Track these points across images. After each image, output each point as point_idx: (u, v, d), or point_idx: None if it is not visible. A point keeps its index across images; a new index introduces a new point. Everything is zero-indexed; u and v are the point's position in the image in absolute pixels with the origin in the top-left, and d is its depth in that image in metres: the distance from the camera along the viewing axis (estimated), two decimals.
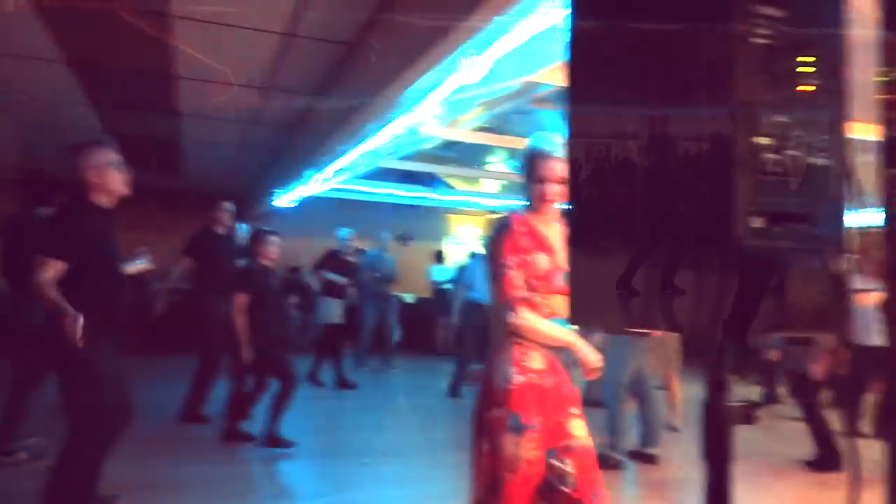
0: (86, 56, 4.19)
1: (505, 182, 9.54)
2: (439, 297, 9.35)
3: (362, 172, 6.64)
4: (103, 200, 2.93)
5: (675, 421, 5.25)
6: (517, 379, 1.98)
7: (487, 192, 9.96)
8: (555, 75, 3.59)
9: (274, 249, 4.49)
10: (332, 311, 6.78)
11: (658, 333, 4.46)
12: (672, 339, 4.97)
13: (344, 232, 7.01)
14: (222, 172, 8.80)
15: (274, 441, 4.42)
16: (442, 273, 9.13)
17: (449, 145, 7.17)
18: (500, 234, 2.04)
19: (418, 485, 4.15)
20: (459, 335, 6.95)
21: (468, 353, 6.37)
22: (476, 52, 2.55)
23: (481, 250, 6.80)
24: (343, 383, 6.70)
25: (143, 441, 3.44)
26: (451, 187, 9.62)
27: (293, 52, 3.91)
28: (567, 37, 1.14)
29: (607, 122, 1.13)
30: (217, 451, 4.48)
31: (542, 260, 2.03)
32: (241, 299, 4.27)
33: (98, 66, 4.40)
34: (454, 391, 6.51)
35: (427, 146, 6.71)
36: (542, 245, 2.06)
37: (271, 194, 7.89)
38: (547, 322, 2.03)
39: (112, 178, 2.92)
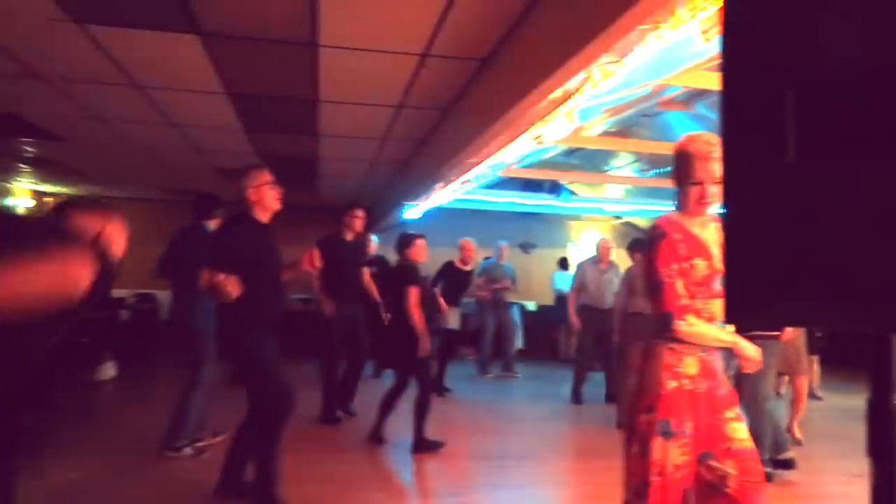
0: (242, 87, 4.62)
1: (629, 187, 9.37)
2: (562, 304, 9.33)
3: (486, 182, 6.79)
4: (261, 215, 3.47)
5: (796, 431, 5.06)
6: (669, 384, 2.01)
7: (611, 197, 9.82)
8: (684, 77, 3.55)
9: (423, 251, 4.76)
10: (451, 318, 6.98)
11: (790, 335, 4.30)
12: (800, 340, 4.75)
13: (465, 241, 7.21)
14: (353, 187, 9.29)
15: (422, 445, 4.60)
16: (565, 280, 9.10)
17: (572, 151, 7.18)
18: (655, 242, 2.05)
19: (552, 487, 4.22)
20: (579, 342, 6.93)
21: (587, 359, 6.31)
22: (614, 61, 2.59)
23: (601, 256, 6.75)
24: (440, 389, 6.79)
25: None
26: (574, 193, 9.58)
27: (427, 71, 4.11)
28: (723, 34, 1.12)
29: (763, 118, 1.10)
30: (358, 449, 4.77)
31: (700, 265, 2.04)
32: (416, 293, 4.54)
33: (251, 95, 4.84)
34: (576, 398, 6.47)
35: (550, 154, 6.77)
36: (700, 249, 2.06)
37: (399, 206, 8.22)
38: (709, 325, 2.04)
39: (268, 197, 3.48)
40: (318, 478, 4.05)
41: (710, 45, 2.66)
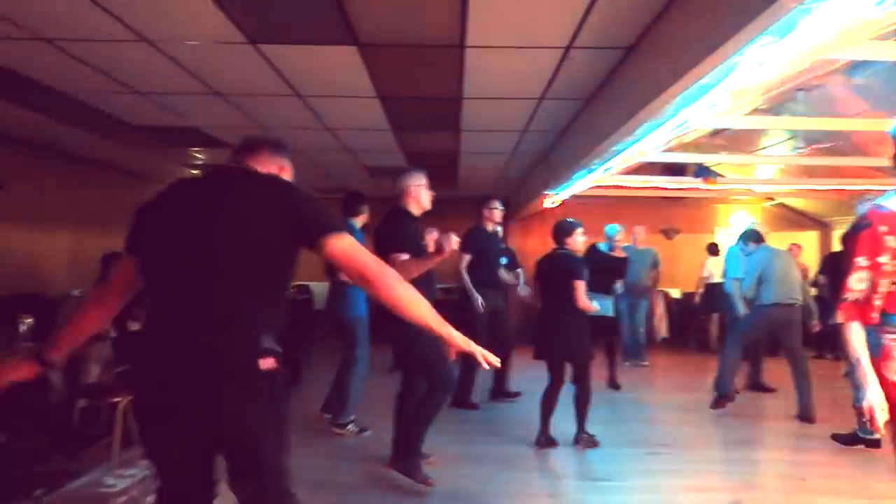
0: (392, 90, 4.90)
1: (782, 167, 8.80)
2: (711, 292, 8.96)
3: (629, 168, 6.67)
4: (413, 211, 3.91)
5: None
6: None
7: (762, 178, 9.26)
8: (845, 47, 3.33)
9: (581, 240, 4.73)
10: (605, 305, 6.88)
11: None
12: None
13: (612, 228, 7.11)
14: (491, 178, 9.46)
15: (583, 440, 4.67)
16: (717, 266, 8.72)
17: (718, 131, 6.87)
18: (856, 231, 2.00)
19: (703, 477, 4.16)
20: (730, 330, 6.63)
21: (736, 348, 6.00)
22: (773, 39, 2.51)
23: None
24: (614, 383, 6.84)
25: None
26: (721, 175, 9.13)
27: (570, 63, 4.15)
28: None
29: None
30: (514, 434, 4.94)
31: None
32: (582, 286, 4.50)
33: (400, 97, 5.11)
34: (719, 388, 6.10)
35: (696, 136, 6.52)
36: None
37: (538, 196, 8.28)
38: (856, 333, 1.98)
39: (423, 197, 3.95)
40: (473, 458, 4.29)
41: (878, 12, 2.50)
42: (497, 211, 5.88)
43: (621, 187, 8.15)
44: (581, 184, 6.95)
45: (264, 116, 5.73)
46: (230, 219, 1.85)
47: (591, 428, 4.71)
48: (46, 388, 4.82)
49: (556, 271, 4.64)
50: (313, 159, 7.89)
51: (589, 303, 4.53)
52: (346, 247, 1.87)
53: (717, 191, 9.10)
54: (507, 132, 6.31)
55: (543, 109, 5.34)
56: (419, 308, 1.92)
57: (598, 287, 6.83)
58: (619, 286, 6.94)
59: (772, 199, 10.77)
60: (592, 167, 5.68)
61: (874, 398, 1.99)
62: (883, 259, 1.93)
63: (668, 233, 10.94)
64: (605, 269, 6.95)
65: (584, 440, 4.64)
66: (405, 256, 3.55)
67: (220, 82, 4.73)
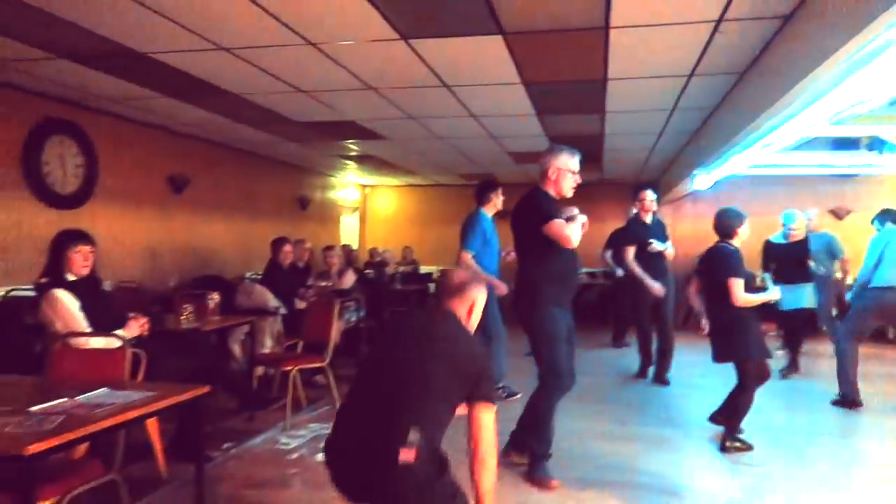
0: (537, 75, 4.96)
1: None
2: None
3: (790, 145, 6.24)
4: (553, 194, 3.66)
5: None
6: None
7: None
8: None
9: (747, 233, 4.33)
10: (798, 296, 6.46)
11: None
12: None
13: (789, 216, 6.62)
14: (637, 160, 9.22)
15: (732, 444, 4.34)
16: None
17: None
18: None
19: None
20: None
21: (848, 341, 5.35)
22: None
23: None
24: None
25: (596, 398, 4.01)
26: None
27: (722, 37, 3.99)
28: None
29: None
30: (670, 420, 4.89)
31: None
32: (737, 284, 4.06)
33: (544, 82, 5.17)
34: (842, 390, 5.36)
35: (868, 106, 5.95)
36: None
37: (688, 177, 7.96)
38: None
39: (565, 182, 3.65)
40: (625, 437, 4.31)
41: None
42: (647, 202, 6.12)
43: (782, 166, 7.62)
44: (735, 163, 6.60)
45: (414, 107, 6.02)
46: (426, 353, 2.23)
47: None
48: (230, 357, 5.46)
49: (713, 267, 4.26)
50: (460, 147, 8.14)
51: (748, 297, 4.06)
52: (485, 419, 2.23)
53: None
54: (654, 111, 6.15)
55: (693, 87, 5.16)
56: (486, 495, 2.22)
57: (792, 278, 6.42)
58: (815, 267, 6.58)
59: None
60: (748, 145, 5.39)
61: None
62: None
63: (837, 213, 10.06)
64: (788, 260, 6.55)
65: (730, 448, 4.18)
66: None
67: (374, 77, 5.05)
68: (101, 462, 2.40)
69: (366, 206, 13.29)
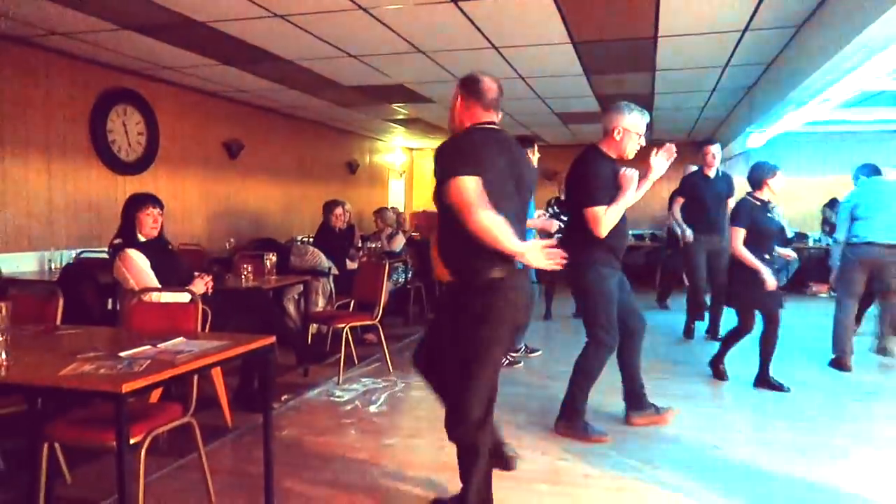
0: (586, 34, 4.93)
1: None
2: None
3: (850, 100, 6.04)
4: (612, 154, 3.55)
5: None
6: None
7: None
8: None
9: (780, 185, 4.53)
10: None
11: None
12: None
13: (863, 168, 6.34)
14: (688, 119, 9.04)
15: (764, 383, 4.59)
16: None
17: None
18: None
19: None
20: None
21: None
22: None
23: None
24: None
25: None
26: None
27: None
28: None
29: None
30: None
31: None
32: (737, 233, 4.44)
33: (594, 41, 5.12)
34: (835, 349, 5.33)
35: None
36: None
37: (741, 135, 7.79)
38: None
39: (628, 144, 3.50)
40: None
41: None
42: (710, 157, 6.07)
43: (840, 122, 7.40)
44: (791, 120, 6.44)
45: (462, 69, 6.04)
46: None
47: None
48: (286, 315, 5.69)
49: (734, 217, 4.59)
50: (507, 108, 8.12)
51: (744, 253, 4.39)
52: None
53: None
54: (707, 69, 6.03)
55: (747, 42, 5.04)
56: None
57: None
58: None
59: None
60: (804, 101, 5.26)
61: None
62: None
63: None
64: None
65: (765, 384, 4.61)
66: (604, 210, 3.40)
67: (423, 40, 5.09)
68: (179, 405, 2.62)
69: (413, 170, 13.40)
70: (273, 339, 2.50)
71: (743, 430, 3.88)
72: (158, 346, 2.26)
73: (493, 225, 2.21)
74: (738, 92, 7.10)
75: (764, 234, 4.46)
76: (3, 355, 2.03)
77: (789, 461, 3.36)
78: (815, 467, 3.28)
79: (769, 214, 4.54)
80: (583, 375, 3.66)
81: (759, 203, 4.51)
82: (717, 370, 4.89)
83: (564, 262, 2.38)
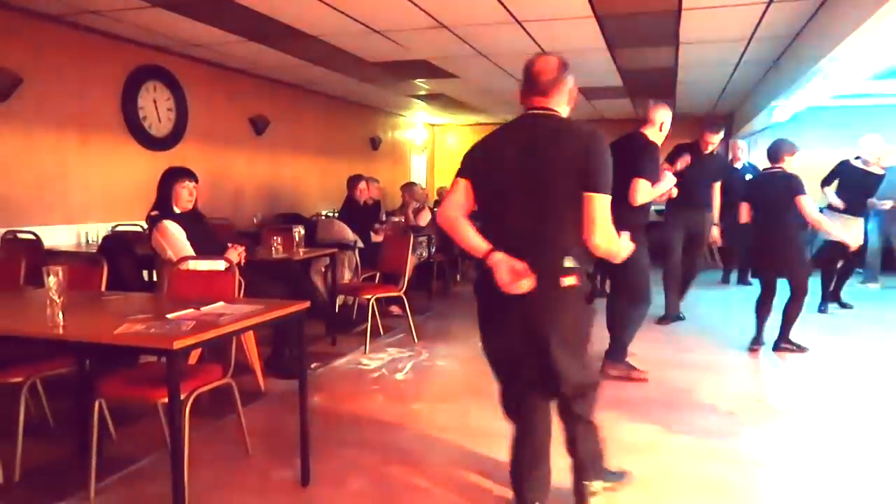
0: (609, 8, 4.94)
1: None
2: None
3: (876, 73, 5.98)
4: (657, 139, 4.10)
5: None
6: None
7: None
8: None
9: (795, 160, 4.69)
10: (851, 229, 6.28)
11: None
12: None
13: (869, 141, 6.39)
14: (712, 92, 8.97)
15: (786, 346, 4.75)
16: None
17: None
18: None
19: None
20: None
21: None
22: None
23: None
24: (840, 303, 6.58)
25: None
26: None
27: None
28: None
29: None
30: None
31: None
32: (807, 200, 4.56)
33: (617, 14, 5.13)
34: None
35: None
36: None
37: (766, 109, 7.72)
38: None
39: (663, 136, 4.13)
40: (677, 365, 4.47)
41: None
42: (712, 145, 5.80)
43: (866, 96, 7.31)
44: (817, 93, 6.39)
45: (485, 44, 6.09)
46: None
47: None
48: (315, 287, 5.84)
49: (772, 189, 4.70)
50: None
51: (820, 216, 4.62)
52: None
53: None
54: (731, 42, 5.99)
55: (772, 13, 5.01)
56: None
57: (846, 207, 6.40)
58: (871, 205, 6.44)
59: None
60: (830, 74, 5.23)
61: None
62: None
63: None
64: (853, 185, 6.43)
65: (785, 348, 4.86)
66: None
67: (446, 15, 5.13)
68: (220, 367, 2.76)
69: (434, 146, 13.45)
70: (307, 303, 2.62)
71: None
72: (202, 309, 2.39)
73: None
74: (764, 65, 7.03)
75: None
76: (60, 316, 2.18)
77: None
78: None
79: None
80: (628, 325, 4.24)
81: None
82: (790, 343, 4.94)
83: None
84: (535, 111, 2.24)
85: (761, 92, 8.05)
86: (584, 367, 2.26)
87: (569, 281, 2.07)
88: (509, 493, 2.45)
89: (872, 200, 6.51)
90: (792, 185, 4.61)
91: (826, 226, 4.89)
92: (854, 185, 6.48)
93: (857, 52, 4.58)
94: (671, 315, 5.97)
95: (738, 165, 6.09)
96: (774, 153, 4.75)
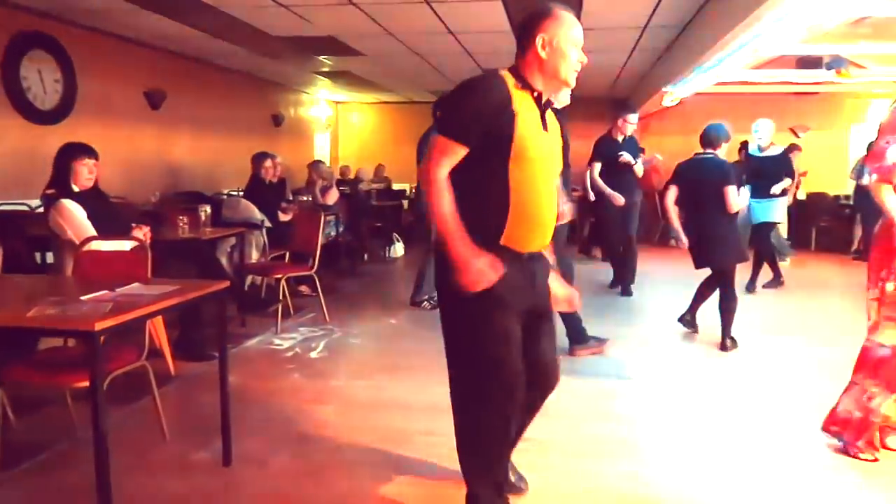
0: None
1: None
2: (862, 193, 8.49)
3: (756, 62, 6.49)
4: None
5: None
6: None
7: None
8: None
9: (723, 145, 4.65)
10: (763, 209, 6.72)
11: None
12: None
13: (760, 125, 6.85)
14: (608, 76, 9.38)
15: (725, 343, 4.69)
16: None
17: (861, 19, 6.46)
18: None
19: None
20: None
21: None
22: None
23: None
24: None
25: None
26: (863, 67, 8.54)
27: None
28: None
29: None
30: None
31: None
32: (733, 190, 4.47)
33: None
34: None
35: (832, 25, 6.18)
36: None
37: (658, 94, 8.19)
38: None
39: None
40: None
41: None
42: (629, 125, 6.35)
43: (747, 83, 7.89)
44: (703, 80, 6.85)
45: (394, 23, 6.08)
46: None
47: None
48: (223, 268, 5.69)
49: (704, 178, 4.55)
50: (436, 63, 8.20)
51: (739, 203, 4.50)
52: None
53: (857, 84, 8.55)
54: (627, 29, 6.31)
55: (666, 2, 5.32)
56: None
57: (758, 192, 6.64)
58: (777, 188, 6.71)
59: None
60: (716, 63, 5.63)
61: None
62: None
63: (796, 131, 10.46)
64: (764, 172, 6.69)
65: (731, 347, 4.61)
66: None
67: None
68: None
69: (338, 124, 13.27)
70: (227, 283, 2.60)
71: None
72: (117, 290, 2.33)
73: None
74: (656, 52, 7.45)
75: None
76: None
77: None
78: None
79: None
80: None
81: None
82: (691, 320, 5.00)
83: None
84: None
85: (653, 78, 8.53)
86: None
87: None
88: (435, 464, 2.56)
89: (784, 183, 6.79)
90: (725, 172, 4.52)
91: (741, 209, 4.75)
92: (764, 172, 6.75)
93: (739, 43, 4.96)
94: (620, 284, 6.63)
95: (619, 138, 6.38)
96: (714, 139, 4.62)
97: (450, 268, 1.93)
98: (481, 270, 1.91)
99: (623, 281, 6.62)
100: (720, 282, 4.64)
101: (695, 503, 2.48)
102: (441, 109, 1.72)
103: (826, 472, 2.73)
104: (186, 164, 8.11)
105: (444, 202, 1.94)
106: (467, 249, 1.91)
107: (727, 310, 4.59)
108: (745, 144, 7.72)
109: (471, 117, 1.98)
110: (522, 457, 2.75)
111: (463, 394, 2.17)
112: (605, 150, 6.47)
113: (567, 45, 2.10)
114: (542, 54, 2.08)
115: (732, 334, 4.62)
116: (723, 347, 4.59)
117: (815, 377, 3.95)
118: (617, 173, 6.38)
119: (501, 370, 2.03)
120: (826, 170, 10.18)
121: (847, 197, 9.83)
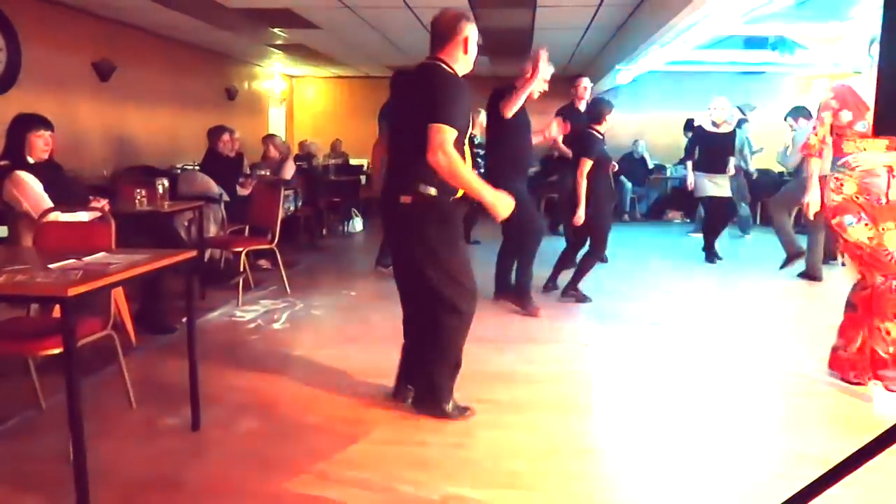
0: None
1: (875, 36, 8.44)
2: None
3: (705, 42, 6.68)
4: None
5: None
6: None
7: (854, 49, 8.92)
8: None
9: (607, 119, 4.99)
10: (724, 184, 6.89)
11: None
12: None
13: (717, 102, 6.99)
14: (564, 54, 9.52)
15: (572, 294, 5.18)
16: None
17: (804, 1, 6.71)
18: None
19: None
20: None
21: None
22: None
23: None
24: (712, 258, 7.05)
25: None
26: (804, 48, 8.88)
27: None
28: None
29: None
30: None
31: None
32: (585, 164, 4.87)
33: None
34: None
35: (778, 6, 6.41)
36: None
37: (611, 71, 8.37)
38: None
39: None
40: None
41: None
42: (581, 89, 6.23)
43: (697, 62, 8.14)
44: (655, 59, 7.04)
45: None
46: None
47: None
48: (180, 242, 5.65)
49: (575, 147, 5.18)
50: (392, 38, 8.19)
51: (583, 183, 4.86)
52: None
53: (801, 65, 8.90)
54: (583, 7, 6.43)
55: None
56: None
57: (713, 167, 6.81)
58: (732, 163, 6.88)
59: (861, 72, 10.37)
60: (667, 41, 5.81)
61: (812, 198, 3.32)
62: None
63: (743, 109, 10.80)
64: (713, 148, 6.83)
65: (574, 295, 5.15)
66: None
67: None
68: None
69: (293, 98, 13.11)
70: (195, 252, 2.63)
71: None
72: (84, 259, 2.34)
73: None
74: (610, 31, 7.60)
75: (605, 164, 5.05)
76: None
77: None
78: None
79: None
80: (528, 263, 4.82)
81: (601, 136, 4.99)
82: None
83: None
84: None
85: (607, 56, 8.70)
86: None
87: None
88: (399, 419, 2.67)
89: (732, 160, 6.99)
90: (582, 144, 4.96)
91: (581, 194, 4.90)
92: (714, 148, 6.92)
93: (688, 24, 5.14)
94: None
95: (581, 106, 6.35)
96: (598, 114, 5.00)
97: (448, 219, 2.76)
98: (506, 199, 2.74)
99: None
100: (591, 244, 5.16)
101: (651, 456, 2.65)
102: (441, 108, 2.40)
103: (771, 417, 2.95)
104: (138, 138, 7.94)
105: (468, 169, 2.68)
106: (492, 191, 2.72)
107: (586, 266, 5.16)
108: (691, 121, 7.96)
109: (465, 111, 2.72)
110: (481, 416, 2.90)
111: (452, 306, 2.79)
112: (573, 119, 6.43)
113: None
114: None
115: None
116: (564, 293, 5.21)
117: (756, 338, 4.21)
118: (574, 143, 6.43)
119: (469, 275, 2.85)
120: (770, 148, 10.56)
121: (791, 174, 10.24)
